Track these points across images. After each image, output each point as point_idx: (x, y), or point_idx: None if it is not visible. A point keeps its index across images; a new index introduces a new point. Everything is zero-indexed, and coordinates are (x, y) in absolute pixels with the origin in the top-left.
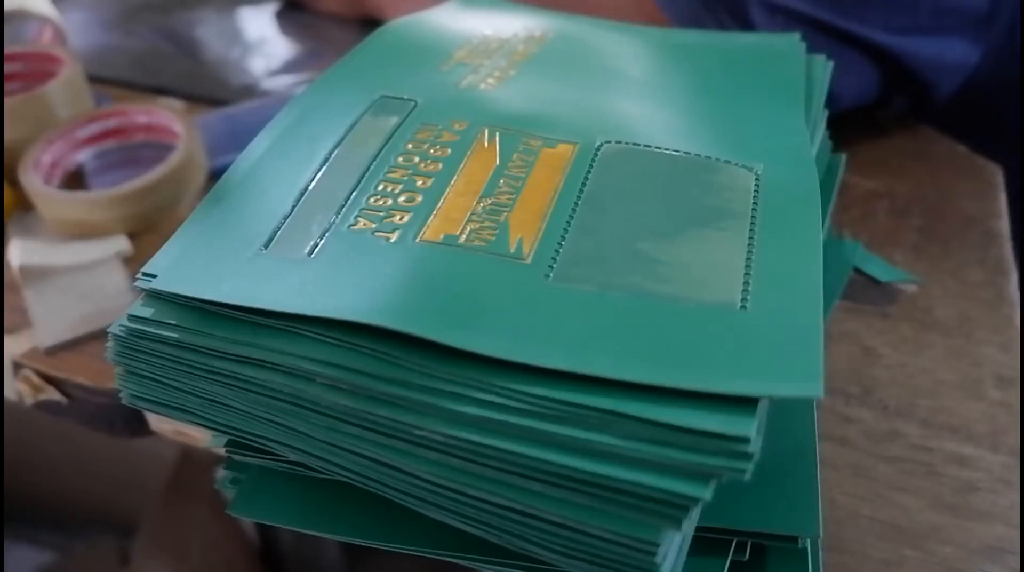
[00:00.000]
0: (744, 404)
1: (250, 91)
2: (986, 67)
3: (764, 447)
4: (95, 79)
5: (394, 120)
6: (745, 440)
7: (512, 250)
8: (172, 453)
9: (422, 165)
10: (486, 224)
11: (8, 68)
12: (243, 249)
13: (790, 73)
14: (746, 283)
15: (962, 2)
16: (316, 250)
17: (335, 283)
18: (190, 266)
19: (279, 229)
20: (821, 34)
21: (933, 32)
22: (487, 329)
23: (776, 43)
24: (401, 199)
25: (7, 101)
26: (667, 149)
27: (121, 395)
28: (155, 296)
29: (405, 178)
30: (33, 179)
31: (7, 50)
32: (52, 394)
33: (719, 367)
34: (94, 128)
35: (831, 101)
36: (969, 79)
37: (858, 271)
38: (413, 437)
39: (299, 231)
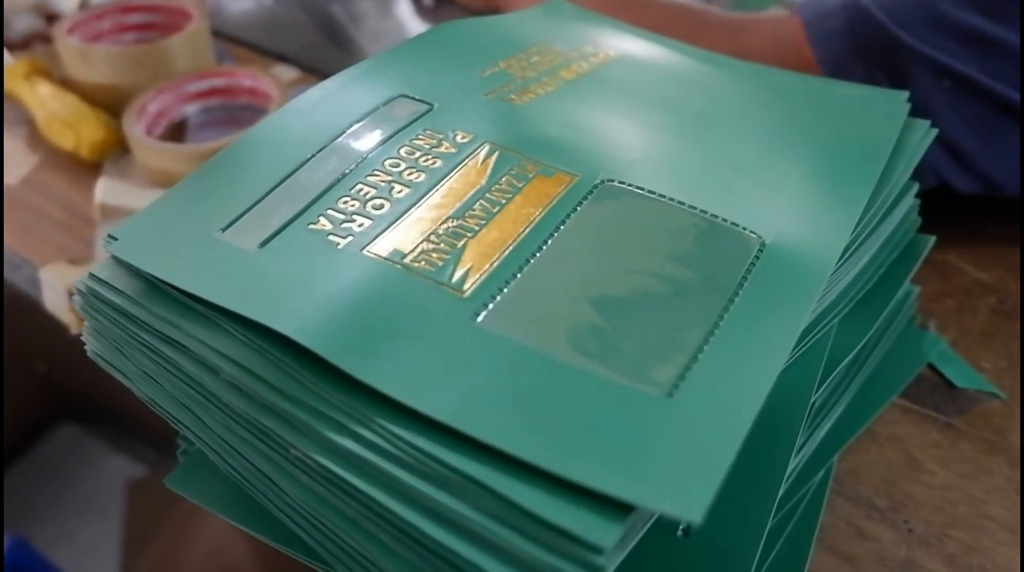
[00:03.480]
0: (616, 508)
1: None
2: None
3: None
4: (230, 38)
5: (401, 121)
6: (598, 550)
7: (453, 281)
8: None
9: (406, 173)
10: (441, 247)
11: (148, 18)
12: (204, 229)
13: (879, 136)
14: (687, 368)
15: None
16: (268, 243)
17: (266, 281)
18: (149, 236)
19: (243, 215)
20: (995, 111)
21: None
22: (388, 361)
23: (878, 99)
24: (370, 205)
25: (130, 48)
26: (672, 199)
27: (87, 349)
28: (116, 259)
29: (384, 183)
30: (133, 124)
31: (149, 1)
32: None
33: (605, 459)
34: (203, 84)
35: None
36: None
37: (933, 369)
38: (288, 455)
39: (260, 221)
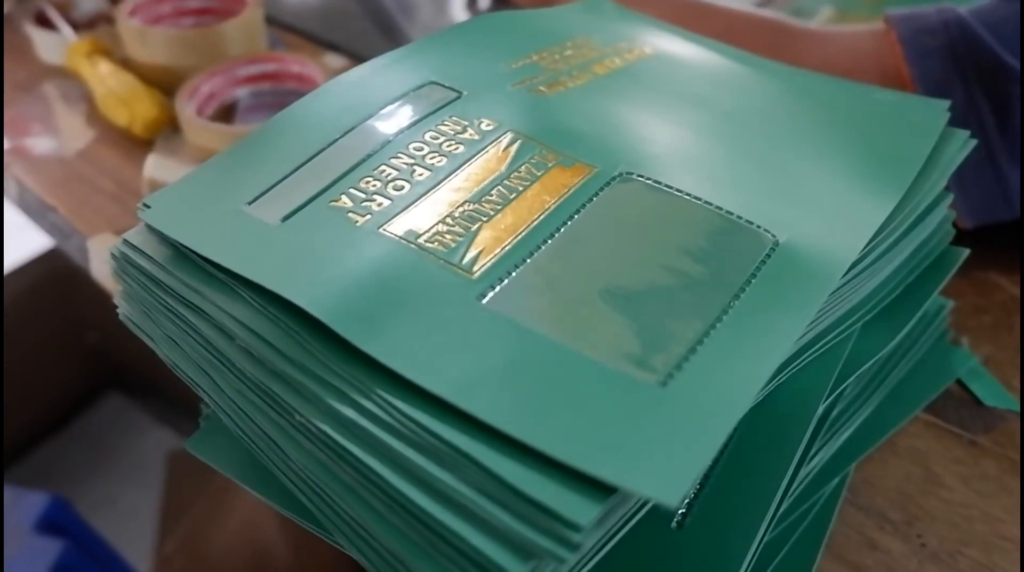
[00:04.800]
0: (599, 489)
1: None
2: None
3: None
4: (284, 26)
5: (430, 107)
6: (576, 527)
7: (464, 262)
8: None
9: (429, 157)
10: (455, 229)
11: (206, 3)
12: (231, 201)
13: (914, 144)
14: (684, 360)
15: None
16: (290, 218)
17: (285, 254)
18: (180, 206)
19: (269, 190)
20: None
21: None
22: (393, 335)
23: (916, 107)
24: (391, 186)
25: (186, 31)
26: (689, 194)
27: (118, 311)
28: (149, 227)
29: (406, 166)
30: (185, 104)
31: None
32: None
33: (592, 441)
34: (253, 69)
35: None
36: None
37: (961, 385)
38: (293, 421)
39: (285, 196)
